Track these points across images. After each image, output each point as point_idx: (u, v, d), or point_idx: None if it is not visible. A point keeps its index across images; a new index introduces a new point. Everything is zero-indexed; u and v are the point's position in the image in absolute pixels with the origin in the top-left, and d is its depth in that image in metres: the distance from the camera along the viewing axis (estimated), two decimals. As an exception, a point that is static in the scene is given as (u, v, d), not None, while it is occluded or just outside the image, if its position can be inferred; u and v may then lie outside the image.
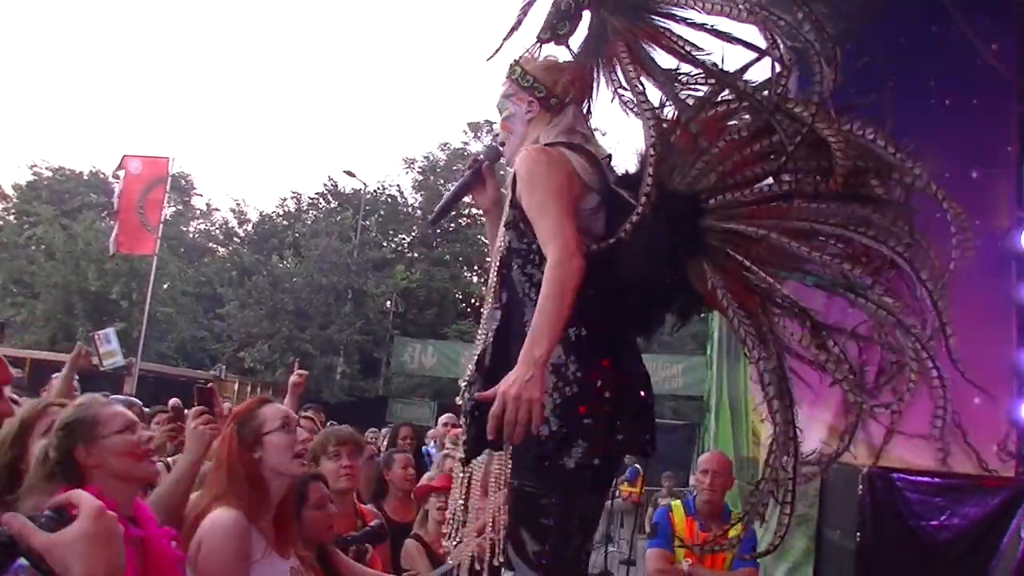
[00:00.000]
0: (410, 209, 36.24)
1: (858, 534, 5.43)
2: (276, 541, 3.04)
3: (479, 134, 36.38)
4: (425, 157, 36.49)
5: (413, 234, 35.67)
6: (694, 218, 2.75)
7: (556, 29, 2.92)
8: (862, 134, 2.81)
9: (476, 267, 36.26)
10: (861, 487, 5.38)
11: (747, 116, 2.78)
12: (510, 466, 2.66)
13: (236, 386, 22.83)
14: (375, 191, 34.86)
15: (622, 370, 2.68)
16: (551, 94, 2.85)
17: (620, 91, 2.87)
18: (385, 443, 7.68)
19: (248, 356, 25.97)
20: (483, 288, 35.43)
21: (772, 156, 2.75)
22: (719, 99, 2.83)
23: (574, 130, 2.85)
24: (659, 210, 2.66)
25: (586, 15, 2.93)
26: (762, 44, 2.73)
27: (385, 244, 34.05)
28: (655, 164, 2.67)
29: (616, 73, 2.87)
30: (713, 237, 2.76)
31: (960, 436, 5.84)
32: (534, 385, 2.35)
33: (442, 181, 35.95)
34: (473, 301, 36.20)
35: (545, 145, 2.76)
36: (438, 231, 32.33)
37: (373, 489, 5.28)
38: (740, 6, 2.67)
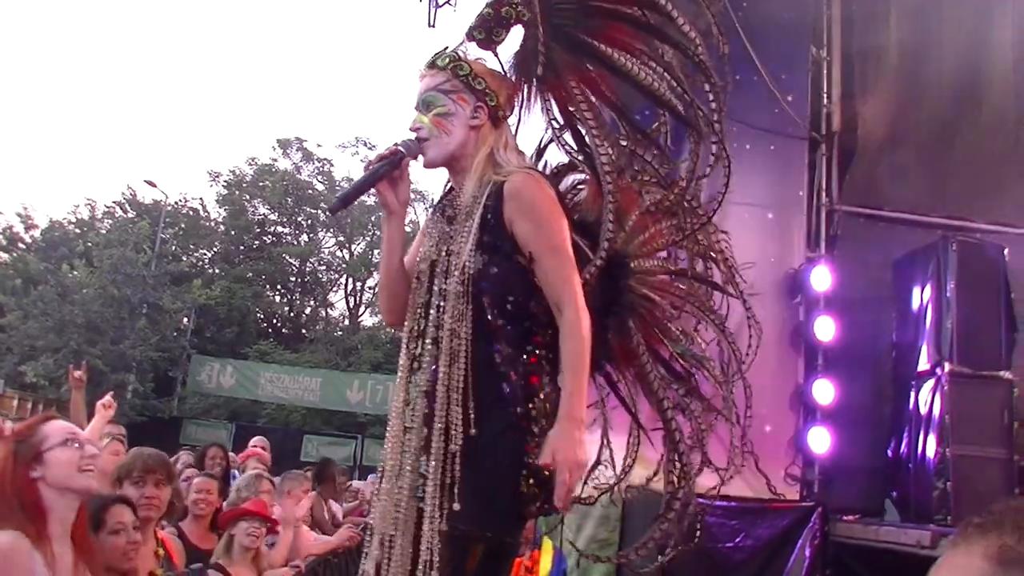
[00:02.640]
0: (212, 223, 35.17)
1: (659, 557, 5.63)
2: (75, 570, 2.81)
3: (288, 151, 35.77)
4: (231, 171, 35.58)
5: (215, 250, 34.60)
6: (623, 277, 2.81)
7: (492, 34, 2.70)
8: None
9: (279, 286, 35.52)
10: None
11: (656, 192, 2.87)
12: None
13: (16, 402, 21.33)
14: (176, 203, 33.64)
15: None
16: (499, 106, 2.67)
17: (553, 123, 2.79)
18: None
19: (31, 370, 24.34)
20: (285, 308, 34.89)
21: (675, 236, 2.92)
22: (634, 166, 2.88)
23: (521, 152, 2.74)
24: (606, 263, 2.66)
25: (517, 31, 2.76)
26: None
27: (185, 258, 32.83)
28: (613, 217, 2.64)
29: (551, 105, 2.76)
30: (633, 299, 2.85)
31: (752, 462, 6.26)
32: (584, 447, 2.30)
33: (247, 197, 35.11)
34: (275, 321, 35.41)
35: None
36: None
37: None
38: (669, 90, 2.71)
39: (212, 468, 6.33)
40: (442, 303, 2.51)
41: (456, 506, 2.34)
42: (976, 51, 6.96)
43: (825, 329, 6.38)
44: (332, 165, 35.89)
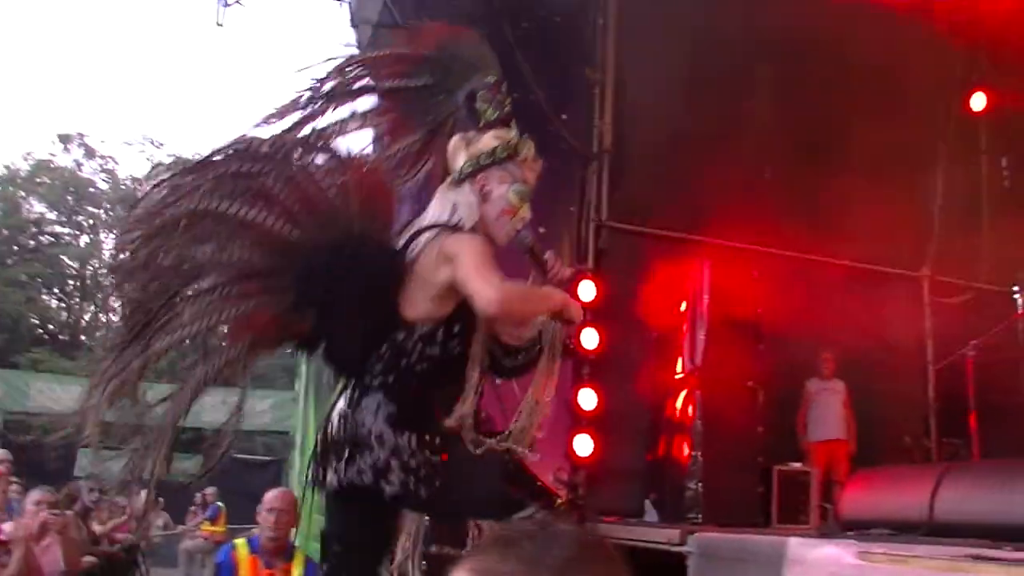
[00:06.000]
0: (-18, 224, 32.77)
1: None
2: None
3: (68, 146, 33.81)
4: (6, 167, 33.28)
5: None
6: None
7: None
8: None
9: (56, 289, 33.46)
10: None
11: None
12: None
13: None
14: (-61, 199, 31.21)
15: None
16: None
17: None
18: None
19: None
20: (62, 313, 32.82)
21: None
22: None
23: None
24: None
25: None
26: None
27: (-50, 257, 30.52)
28: None
29: None
30: None
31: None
32: None
33: (23, 193, 32.91)
34: (51, 327, 33.31)
35: None
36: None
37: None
38: None
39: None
40: None
41: None
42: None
43: (591, 339, 6.61)
44: (117, 163, 34.20)
